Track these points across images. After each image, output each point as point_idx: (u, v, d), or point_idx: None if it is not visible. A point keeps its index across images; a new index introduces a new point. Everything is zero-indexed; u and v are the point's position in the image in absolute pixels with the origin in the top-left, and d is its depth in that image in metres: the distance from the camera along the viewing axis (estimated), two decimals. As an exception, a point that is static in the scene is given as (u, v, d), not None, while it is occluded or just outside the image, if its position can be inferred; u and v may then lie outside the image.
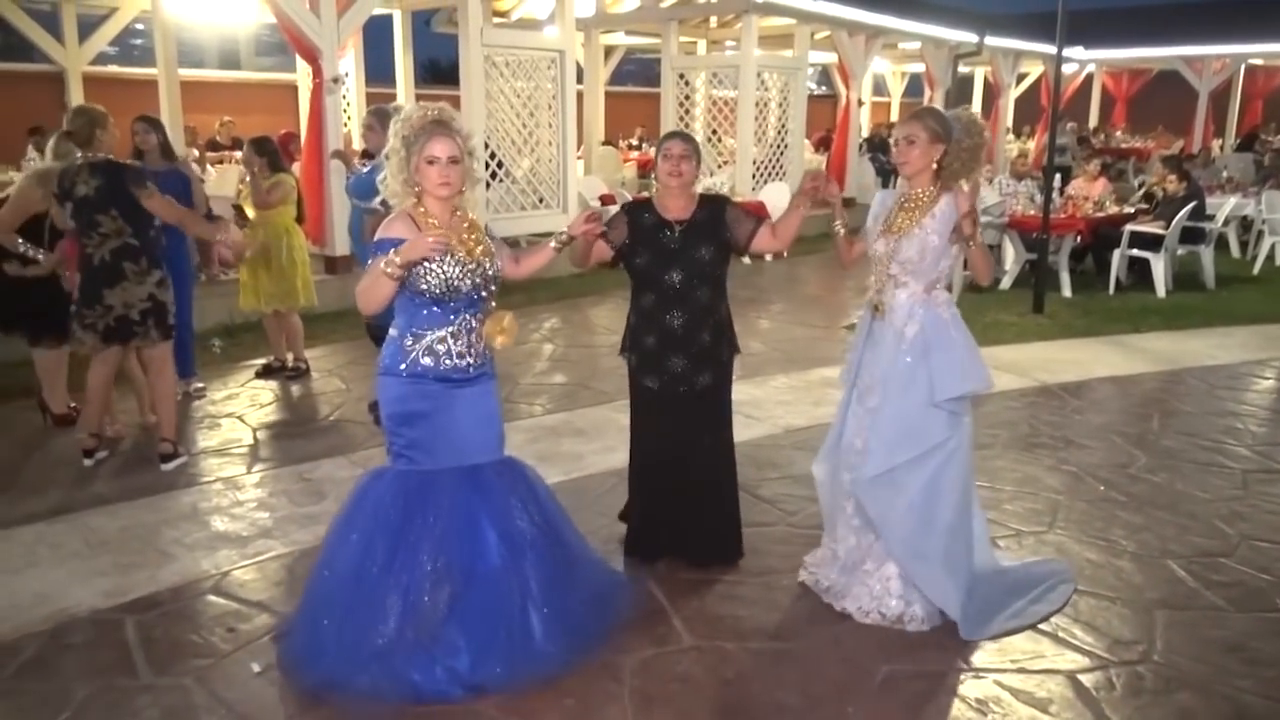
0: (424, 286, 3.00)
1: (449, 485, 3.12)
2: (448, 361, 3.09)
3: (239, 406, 6.01)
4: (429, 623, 3.01)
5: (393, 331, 3.16)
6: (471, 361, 3.14)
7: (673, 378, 3.67)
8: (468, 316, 3.10)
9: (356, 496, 3.21)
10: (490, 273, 3.11)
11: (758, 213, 4.10)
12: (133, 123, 5.91)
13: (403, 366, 3.09)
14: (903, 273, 3.40)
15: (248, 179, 6.36)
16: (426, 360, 3.08)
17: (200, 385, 6.25)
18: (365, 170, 5.35)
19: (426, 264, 2.96)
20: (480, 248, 3.10)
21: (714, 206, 3.69)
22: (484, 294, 3.12)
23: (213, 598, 3.68)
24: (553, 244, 3.35)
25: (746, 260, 11.46)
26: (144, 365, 5.16)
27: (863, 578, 3.56)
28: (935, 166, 3.39)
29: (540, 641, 3.09)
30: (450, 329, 3.08)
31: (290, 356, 6.66)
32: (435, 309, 3.06)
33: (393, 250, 2.90)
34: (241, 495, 4.64)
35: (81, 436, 5.02)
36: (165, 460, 4.95)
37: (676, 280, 3.59)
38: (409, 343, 3.09)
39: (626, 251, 3.65)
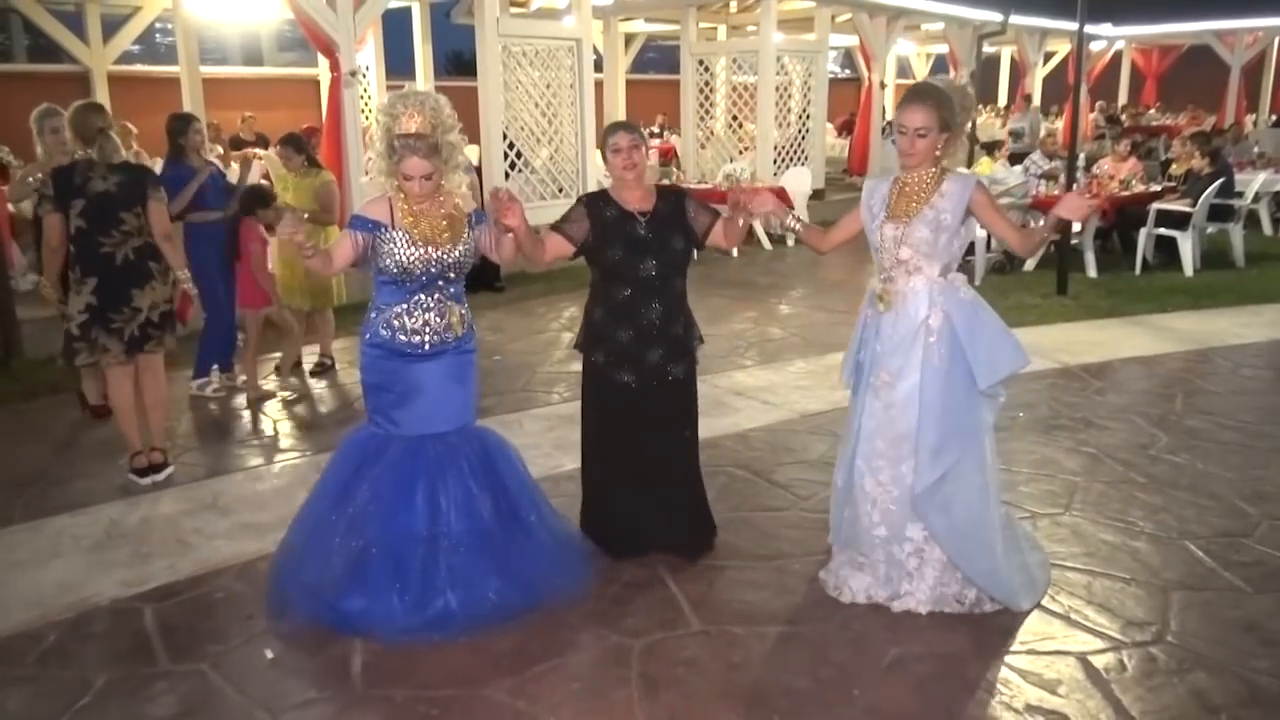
0: (382, 266, 3.29)
1: (396, 450, 3.40)
2: (401, 336, 3.36)
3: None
4: (338, 565, 3.34)
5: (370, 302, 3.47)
6: (427, 339, 3.36)
7: (650, 371, 3.60)
8: (423, 297, 3.36)
9: (337, 450, 3.65)
10: (450, 259, 3.32)
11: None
12: (193, 122, 5.90)
13: (368, 335, 3.41)
14: (915, 257, 3.26)
15: (286, 175, 6.41)
16: (384, 332, 3.37)
17: (244, 378, 6.32)
18: None
19: (387, 247, 3.26)
20: (446, 235, 3.31)
21: (674, 198, 3.66)
22: (441, 280, 3.34)
23: (231, 586, 3.74)
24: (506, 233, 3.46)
25: (768, 246, 11.42)
26: (140, 369, 4.71)
27: (912, 578, 3.44)
28: (937, 153, 3.29)
29: (450, 606, 3.29)
30: (405, 306, 3.36)
31: (318, 351, 6.71)
32: (393, 286, 3.35)
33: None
34: (261, 486, 4.71)
35: (135, 458, 4.70)
36: (156, 470, 4.69)
37: (653, 271, 3.54)
38: (374, 314, 3.41)
39: (594, 246, 3.57)
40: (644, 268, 3.55)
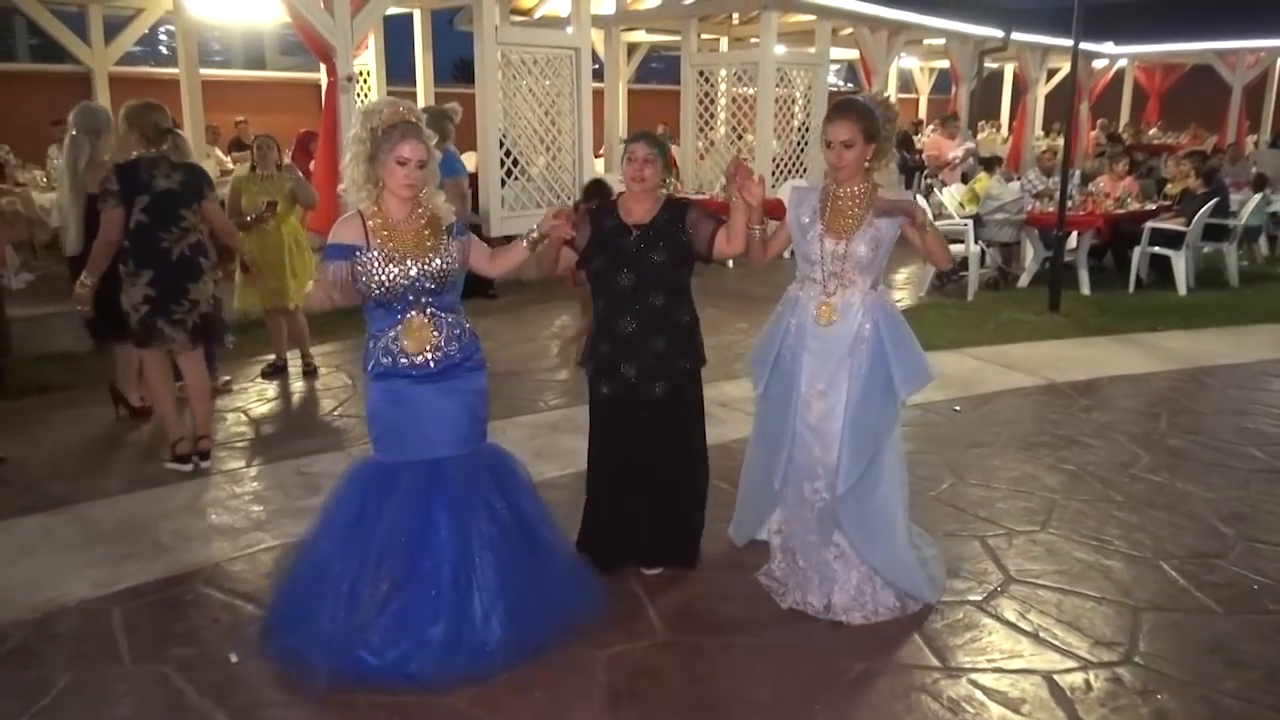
0: (366, 291, 3.13)
1: (408, 478, 3.19)
2: (404, 360, 3.18)
3: (246, 401, 6.08)
4: (367, 611, 3.08)
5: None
6: (431, 356, 3.18)
7: (624, 385, 3.57)
8: (414, 314, 3.18)
9: (340, 484, 3.36)
10: (432, 269, 3.15)
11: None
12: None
13: (370, 366, 3.23)
14: (852, 271, 3.38)
15: (254, 177, 6.43)
16: (385, 359, 3.19)
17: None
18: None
19: (364, 269, 3.09)
20: (428, 244, 3.16)
21: (676, 210, 3.59)
22: (427, 295, 3.17)
23: (202, 588, 3.74)
24: (524, 242, 3.38)
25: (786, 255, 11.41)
26: (181, 364, 4.94)
27: (846, 585, 3.49)
28: (866, 165, 3.39)
29: (487, 637, 3.10)
30: (399, 328, 3.17)
31: (299, 355, 6.72)
32: (381, 309, 3.18)
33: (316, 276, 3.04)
34: (239, 488, 4.70)
35: (177, 445, 4.87)
36: (205, 457, 4.93)
37: (627, 284, 3.51)
38: (371, 344, 3.23)
39: (584, 254, 3.57)
40: (619, 281, 3.52)
